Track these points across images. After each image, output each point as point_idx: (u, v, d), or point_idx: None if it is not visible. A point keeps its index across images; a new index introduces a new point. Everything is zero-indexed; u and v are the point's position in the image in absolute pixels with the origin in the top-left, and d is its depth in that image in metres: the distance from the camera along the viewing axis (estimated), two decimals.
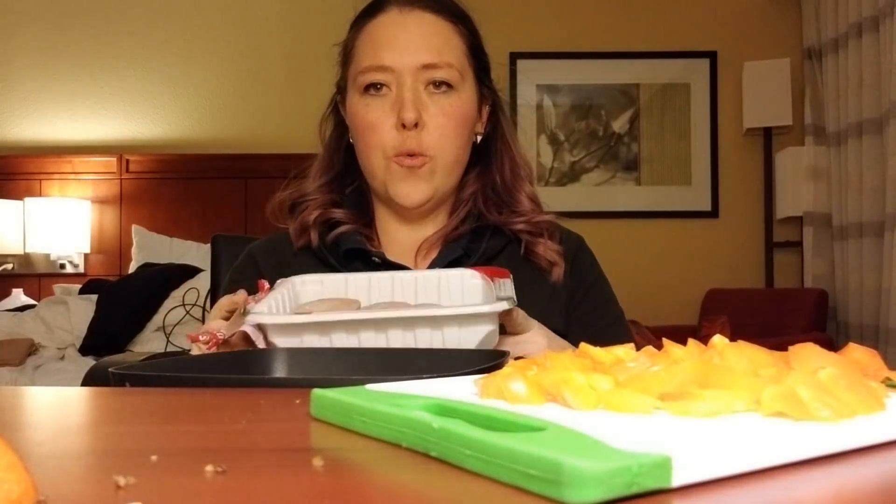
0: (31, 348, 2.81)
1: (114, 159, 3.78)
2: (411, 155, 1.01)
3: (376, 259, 1.04)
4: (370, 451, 0.35)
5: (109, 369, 0.58)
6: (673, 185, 3.82)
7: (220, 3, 3.90)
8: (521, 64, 3.80)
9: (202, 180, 3.70)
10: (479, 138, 1.11)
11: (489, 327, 0.76)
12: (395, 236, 1.11)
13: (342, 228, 1.05)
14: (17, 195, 3.66)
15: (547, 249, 1.07)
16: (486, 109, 1.12)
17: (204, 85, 3.88)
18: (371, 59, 1.02)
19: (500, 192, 1.10)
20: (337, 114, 1.12)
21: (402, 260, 1.06)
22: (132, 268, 3.46)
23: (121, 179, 3.80)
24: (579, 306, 1.10)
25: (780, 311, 3.31)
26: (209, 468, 0.31)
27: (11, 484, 0.24)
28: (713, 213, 3.82)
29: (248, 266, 1.11)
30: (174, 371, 0.60)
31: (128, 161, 3.79)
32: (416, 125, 1.00)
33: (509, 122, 1.14)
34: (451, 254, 1.05)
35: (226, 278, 1.15)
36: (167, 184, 3.78)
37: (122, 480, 0.29)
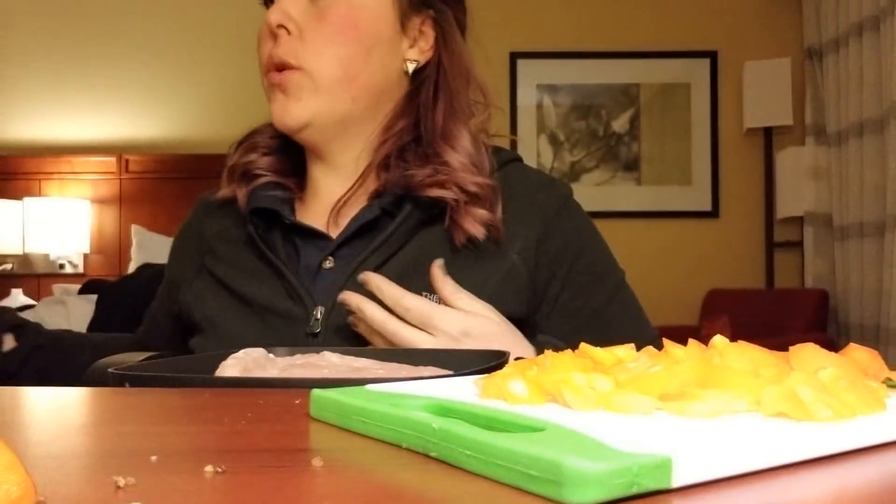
0: None
1: (113, 159, 3.79)
2: (279, 69, 0.85)
3: (286, 220, 0.87)
4: (370, 451, 0.35)
5: (109, 369, 0.58)
6: (673, 185, 3.82)
7: (220, 3, 3.90)
8: (521, 64, 3.80)
9: (202, 180, 3.68)
10: (410, 66, 0.90)
11: None
12: (319, 187, 0.93)
13: (257, 182, 0.90)
14: (16, 195, 3.66)
15: (469, 221, 0.84)
16: (427, 31, 0.91)
17: (204, 85, 3.88)
18: None
19: (429, 137, 0.87)
20: None
21: (324, 219, 0.89)
22: (132, 268, 3.47)
23: (120, 179, 3.80)
24: (567, 287, 0.89)
25: (780, 311, 3.31)
26: (209, 468, 0.31)
27: (11, 484, 0.24)
28: (714, 213, 3.82)
29: (182, 239, 1.01)
30: (174, 371, 0.60)
31: (127, 161, 3.79)
32: (285, 31, 0.85)
33: (455, 49, 0.91)
34: (369, 212, 0.85)
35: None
36: (167, 183, 3.78)
37: (121, 481, 0.29)
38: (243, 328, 0.86)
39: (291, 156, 0.94)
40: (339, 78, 0.85)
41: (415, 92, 0.91)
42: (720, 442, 0.31)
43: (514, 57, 3.78)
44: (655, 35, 3.83)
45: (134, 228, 3.64)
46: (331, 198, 0.90)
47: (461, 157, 0.86)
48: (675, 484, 0.28)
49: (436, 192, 0.83)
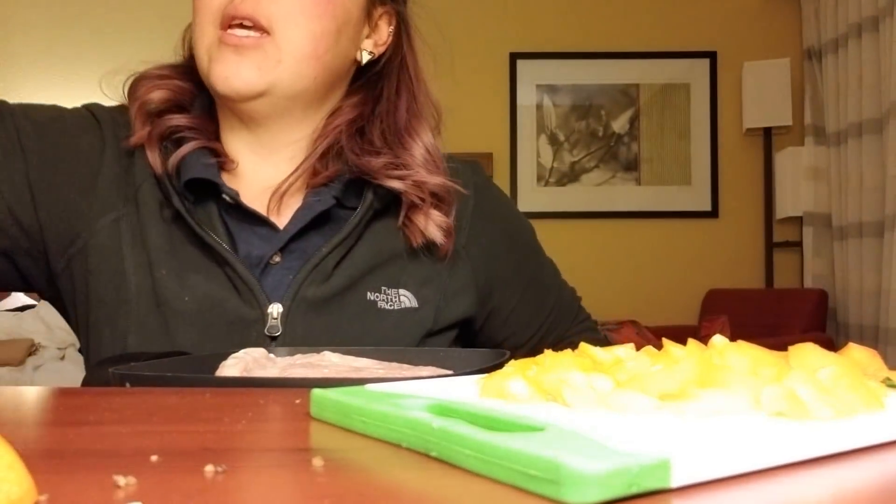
0: (31, 348, 2.81)
1: None
2: (241, 26, 0.76)
3: (227, 198, 0.77)
4: (370, 451, 0.35)
5: (110, 369, 0.58)
6: (673, 186, 3.82)
7: None
8: (521, 64, 3.80)
9: None
10: (364, 56, 0.85)
11: None
12: (245, 171, 0.83)
13: (185, 148, 0.78)
14: None
15: (428, 223, 0.81)
16: (385, 27, 0.86)
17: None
18: None
19: (388, 132, 0.83)
20: None
21: (256, 206, 0.79)
22: None
23: None
24: (506, 265, 0.89)
25: (780, 311, 3.31)
26: (209, 468, 0.31)
27: (11, 484, 0.24)
28: (713, 214, 3.82)
29: (89, 135, 0.81)
30: (174, 371, 0.60)
31: None
32: None
33: (416, 52, 0.88)
34: (321, 203, 0.78)
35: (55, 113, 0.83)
36: None
37: (121, 480, 0.29)
38: (176, 326, 0.74)
39: (212, 118, 0.84)
40: (308, 53, 0.78)
41: (370, 84, 0.87)
42: (719, 442, 0.31)
43: (514, 57, 3.78)
44: (655, 35, 3.83)
45: None
46: (260, 179, 0.82)
47: (422, 151, 0.84)
48: (675, 484, 0.28)
49: (395, 184, 0.80)
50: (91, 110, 0.85)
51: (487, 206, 0.90)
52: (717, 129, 3.82)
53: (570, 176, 3.83)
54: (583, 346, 0.45)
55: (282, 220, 0.80)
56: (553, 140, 3.84)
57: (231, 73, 0.76)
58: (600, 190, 3.81)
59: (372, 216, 0.81)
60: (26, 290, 0.85)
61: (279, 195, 0.80)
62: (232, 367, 0.60)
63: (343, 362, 0.64)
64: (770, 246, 3.75)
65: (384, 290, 0.79)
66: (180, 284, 0.75)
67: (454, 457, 0.31)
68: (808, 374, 0.37)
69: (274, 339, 0.75)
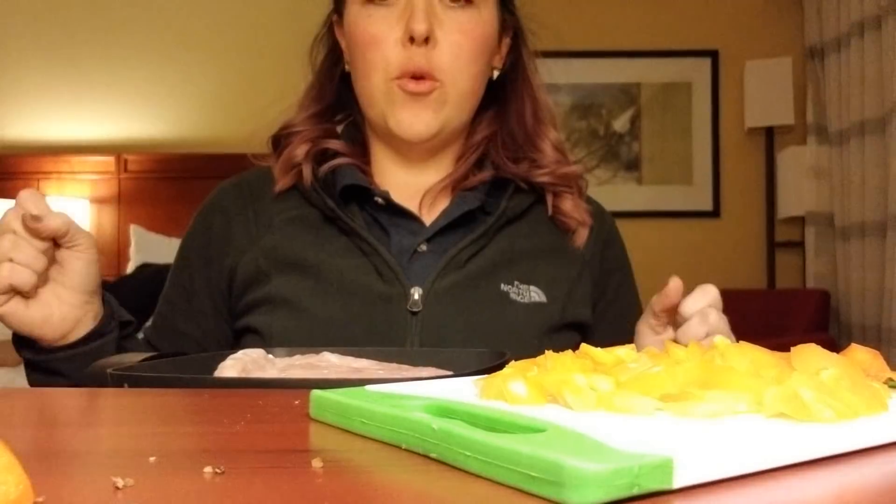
0: None
1: (112, 159, 3.78)
2: (418, 78, 0.86)
3: (379, 200, 0.88)
4: (370, 452, 0.35)
5: (108, 370, 0.58)
6: (674, 185, 3.82)
7: (220, 3, 3.90)
8: None
9: (201, 180, 3.69)
10: (496, 74, 0.95)
11: None
12: (393, 181, 0.94)
13: (339, 160, 0.90)
14: (15, 195, 3.65)
15: (577, 207, 0.93)
16: (506, 42, 0.96)
17: (203, 84, 3.88)
18: None
19: (520, 138, 0.95)
20: (332, 37, 0.97)
21: (406, 206, 0.90)
22: (130, 268, 3.46)
23: (119, 179, 3.80)
24: (612, 305, 0.97)
25: (781, 311, 3.30)
26: (208, 469, 0.31)
27: (9, 485, 0.24)
28: (715, 213, 3.81)
29: (213, 217, 0.93)
30: (173, 372, 0.60)
31: (126, 160, 3.79)
32: (426, 41, 0.85)
33: (532, 58, 0.98)
34: (467, 204, 0.89)
35: (187, 234, 0.96)
36: (166, 183, 3.78)
37: (120, 481, 0.29)
38: (325, 306, 0.84)
39: (355, 142, 0.95)
40: (468, 92, 0.89)
41: (496, 96, 0.96)
42: (721, 443, 0.31)
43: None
44: (656, 34, 3.83)
45: (133, 228, 3.64)
46: (409, 188, 0.93)
47: (552, 150, 0.94)
48: (676, 485, 0.28)
49: (543, 179, 0.92)
50: (215, 199, 0.96)
51: (616, 245, 1.01)
52: (719, 128, 3.82)
53: None
54: (584, 347, 0.45)
55: (429, 218, 0.91)
56: None
57: (413, 120, 0.87)
58: (601, 189, 3.80)
59: (506, 221, 0.91)
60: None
61: (432, 195, 0.92)
62: (230, 367, 0.60)
63: (342, 363, 0.64)
64: (772, 246, 3.75)
65: (517, 285, 0.88)
66: (327, 269, 0.86)
67: (454, 458, 0.31)
68: (811, 375, 0.37)
69: (415, 314, 0.84)
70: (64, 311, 0.75)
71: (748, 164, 3.81)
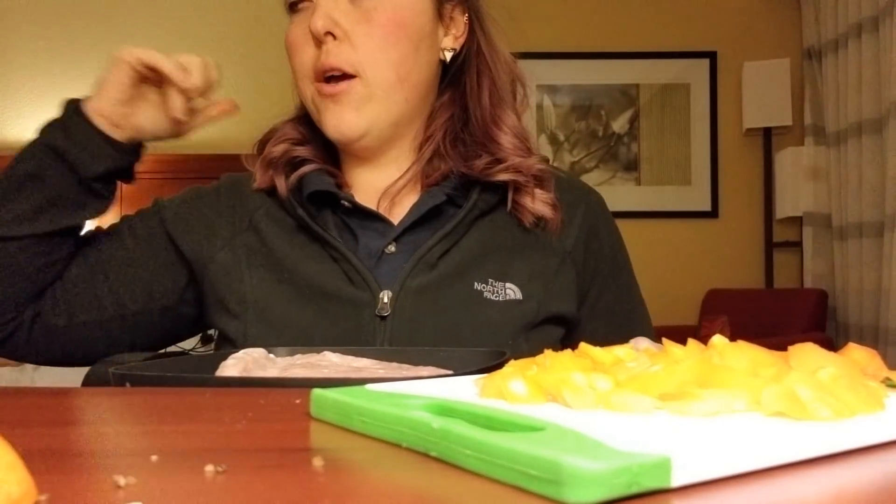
0: None
1: None
2: (335, 77, 0.84)
3: (345, 203, 0.87)
4: (370, 451, 0.35)
5: (110, 369, 0.58)
6: (673, 186, 3.82)
7: (220, 3, 3.90)
8: (521, 64, 3.79)
9: (202, 180, 3.69)
10: (447, 55, 0.91)
11: None
12: (358, 182, 0.92)
13: (306, 168, 0.89)
14: None
15: (536, 202, 0.88)
16: (458, 18, 0.91)
17: None
18: None
19: (479, 127, 0.90)
20: None
21: (372, 207, 0.89)
22: None
23: None
24: (602, 294, 0.93)
25: (779, 311, 3.31)
26: (209, 468, 0.31)
27: (11, 484, 0.24)
28: (713, 213, 3.82)
29: (208, 198, 0.95)
30: (174, 371, 0.60)
31: None
32: (332, 37, 0.83)
33: (489, 33, 0.94)
34: (433, 199, 0.87)
35: (175, 198, 0.98)
36: (167, 184, 3.77)
37: (122, 480, 0.29)
38: (297, 312, 0.84)
39: (327, 145, 0.94)
40: (393, 81, 0.85)
41: (454, 79, 0.92)
42: (720, 442, 0.31)
43: (514, 57, 3.78)
44: (655, 35, 3.83)
45: None
46: (375, 187, 0.90)
47: (511, 139, 0.90)
48: (675, 483, 0.28)
49: (501, 176, 0.87)
50: (213, 184, 0.99)
51: (603, 231, 0.95)
52: (717, 129, 3.82)
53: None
54: (583, 346, 0.45)
55: (397, 217, 0.88)
56: (553, 140, 3.84)
57: (337, 121, 0.85)
58: (600, 190, 3.78)
59: (478, 214, 0.87)
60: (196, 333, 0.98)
61: (390, 195, 0.89)
62: (232, 367, 0.60)
63: (343, 362, 0.64)
64: (770, 246, 3.75)
65: (491, 282, 0.85)
66: (299, 274, 0.85)
67: (454, 457, 0.31)
68: (808, 374, 0.37)
69: (383, 318, 0.82)
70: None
71: (746, 164, 3.81)
